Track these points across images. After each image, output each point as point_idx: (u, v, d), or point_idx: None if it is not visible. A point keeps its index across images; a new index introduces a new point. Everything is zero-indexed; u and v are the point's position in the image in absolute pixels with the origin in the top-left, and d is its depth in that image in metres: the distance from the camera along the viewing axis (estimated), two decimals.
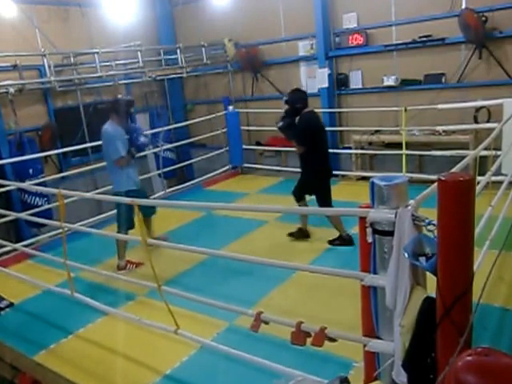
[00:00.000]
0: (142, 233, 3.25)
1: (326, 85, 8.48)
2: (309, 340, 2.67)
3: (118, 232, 5.08)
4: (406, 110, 6.77)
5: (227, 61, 9.68)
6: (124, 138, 5.18)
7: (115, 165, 5.16)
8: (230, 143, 9.00)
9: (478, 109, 6.85)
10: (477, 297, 2.00)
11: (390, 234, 2.18)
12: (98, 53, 8.04)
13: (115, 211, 5.29)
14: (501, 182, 4.63)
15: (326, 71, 8.47)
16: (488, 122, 6.70)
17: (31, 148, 7.39)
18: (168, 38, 10.30)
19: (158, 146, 8.58)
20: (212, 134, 9.08)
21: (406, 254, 2.04)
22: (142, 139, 5.29)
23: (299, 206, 5.50)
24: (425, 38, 7.41)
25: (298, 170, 8.35)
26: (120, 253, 5.17)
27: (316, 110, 8.67)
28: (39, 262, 5.54)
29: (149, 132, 9.05)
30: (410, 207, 2.13)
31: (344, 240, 5.33)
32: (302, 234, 5.64)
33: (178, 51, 9.33)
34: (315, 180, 5.48)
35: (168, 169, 8.52)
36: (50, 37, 8.17)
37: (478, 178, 3.40)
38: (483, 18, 6.74)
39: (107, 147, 5.21)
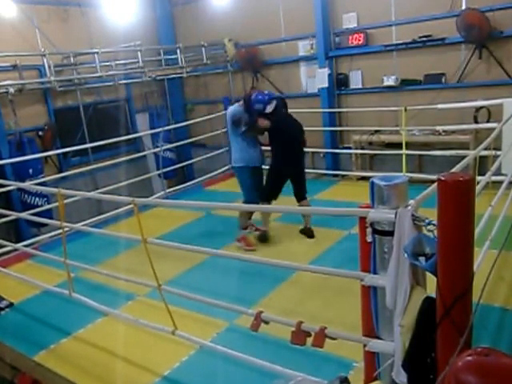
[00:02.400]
0: (142, 232, 3.24)
1: (325, 85, 8.48)
2: (309, 340, 2.67)
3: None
4: (405, 109, 6.78)
5: (227, 61, 9.68)
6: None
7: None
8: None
9: (477, 109, 6.84)
10: (477, 297, 2.00)
11: (390, 233, 2.18)
12: (97, 53, 8.04)
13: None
14: (501, 182, 4.62)
15: (325, 71, 8.47)
16: (488, 122, 6.69)
17: (31, 148, 7.40)
18: (168, 38, 10.31)
19: (158, 146, 8.59)
20: (212, 133, 9.07)
21: (406, 254, 2.04)
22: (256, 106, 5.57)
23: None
24: (425, 38, 7.41)
25: None
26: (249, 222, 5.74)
27: (315, 110, 8.73)
28: (39, 261, 5.54)
29: (149, 132, 9.11)
30: (409, 207, 2.13)
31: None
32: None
33: (178, 51, 9.33)
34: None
35: (168, 169, 8.52)
36: (50, 37, 8.18)
37: (478, 178, 3.40)
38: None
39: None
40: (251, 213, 5.90)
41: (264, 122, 5.52)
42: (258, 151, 5.77)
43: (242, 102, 5.71)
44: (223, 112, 8.82)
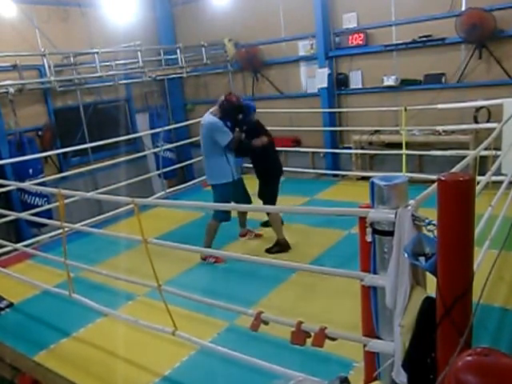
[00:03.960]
0: (142, 233, 3.24)
1: (325, 85, 8.47)
2: (309, 340, 2.67)
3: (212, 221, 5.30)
4: (405, 109, 6.77)
5: (227, 61, 9.68)
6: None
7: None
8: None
9: (477, 109, 6.84)
10: (477, 297, 2.00)
11: (390, 233, 2.18)
12: (97, 53, 8.03)
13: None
14: (501, 182, 4.62)
15: (325, 71, 8.47)
16: (488, 122, 6.69)
17: (31, 148, 7.39)
18: (168, 38, 10.30)
19: (158, 146, 8.60)
20: None
21: (406, 254, 2.04)
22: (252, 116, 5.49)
23: None
24: (425, 38, 7.41)
25: (298, 169, 8.36)
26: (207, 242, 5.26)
27: (315, 110, 8.73)
28: (39, 261, 5.54)
29: (149, 132, 9.12)
30: (409, 207, 2.13)
31: (282, 245, 5.32)
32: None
33: (178, 51, 9.33)
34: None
35: (168, 169, 8.52)
36: (50, 37, 8.17)
37: (478, 178, 3.40)
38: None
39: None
40: (244, 221, 5.80)
41: (263, 140, 5.31)
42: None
43: (216, 109, 5.29)
44: None
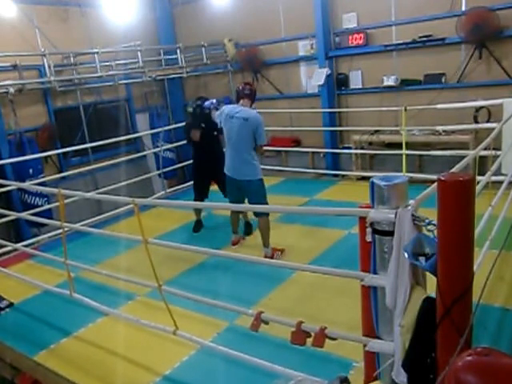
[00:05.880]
0: (143, 233, 3.24)
1: (321, 82, 8.45)
2: (309, 340, 2.68)
3: (264, 217, 5.16)
4: (405, 109, 6.77)
5: (227, 61, 9.68)
6: None
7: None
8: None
9: (477, 109, 6.85)
10: (477, 297, 2.00)
11: (390, 233, 2.18)
12: (97, 53, 8.04)
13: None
14: (501, 182, 4.62)
15: (324, 71, 8.47)
16: (488, 122, 6.69)
17: (31, 148, 7.40)
18: (168, 38, 10.31)
19: (158, 146, 8.60)
20: None
21: (406, 254, 2.04)
22: None
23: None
24: (425, 38, 7.41)
25: (298, 169, 8.36)
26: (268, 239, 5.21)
27: (316, 110, 8.72)
28: (39, 261, 5.54)
29: (149, 132, 9.13)
30: (409, 207, 2.13)
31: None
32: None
33: (178, 51, 9.33)
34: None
35: (168, 169, 8.52)
36: (50, 37, 8.17)
37: (478, 178, 3.39)
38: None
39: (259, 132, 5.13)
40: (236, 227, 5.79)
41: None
42: None
43: (246, 101, 5.40)
44: None
